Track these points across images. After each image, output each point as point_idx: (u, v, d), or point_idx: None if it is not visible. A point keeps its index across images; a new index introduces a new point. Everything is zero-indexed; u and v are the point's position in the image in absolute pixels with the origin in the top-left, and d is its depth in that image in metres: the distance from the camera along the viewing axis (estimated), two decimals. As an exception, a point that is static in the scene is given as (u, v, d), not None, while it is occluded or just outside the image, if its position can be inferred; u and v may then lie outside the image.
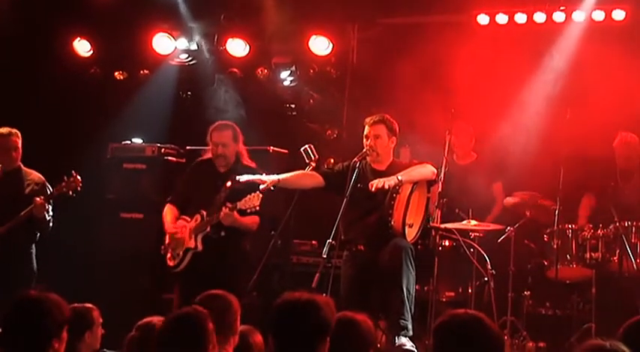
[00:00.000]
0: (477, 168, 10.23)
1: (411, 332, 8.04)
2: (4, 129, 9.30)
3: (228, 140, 9.08)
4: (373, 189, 8.14)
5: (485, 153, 10.38)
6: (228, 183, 8.87)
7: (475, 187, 9.98)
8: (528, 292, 9.78)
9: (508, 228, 9.57)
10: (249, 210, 8.64)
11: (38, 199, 9.03)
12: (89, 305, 6.33)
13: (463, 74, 10.20)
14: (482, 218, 9.59)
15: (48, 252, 9.49)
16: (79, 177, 9.21)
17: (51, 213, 9.25)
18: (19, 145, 9.34)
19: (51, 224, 9.27)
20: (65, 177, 9.19)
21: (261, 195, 8.58)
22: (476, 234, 9.31)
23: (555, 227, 9.50)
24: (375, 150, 8.48)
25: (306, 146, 8.46)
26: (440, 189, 9.06)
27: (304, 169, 8.43)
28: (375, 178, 8.31)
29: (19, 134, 9.34)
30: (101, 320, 6.33)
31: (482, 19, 10.72)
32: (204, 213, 8.91)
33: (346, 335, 5.07)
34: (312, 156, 8.39)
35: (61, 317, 4.73)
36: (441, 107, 9.90)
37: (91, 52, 12.29)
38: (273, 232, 9.33)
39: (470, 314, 4.43)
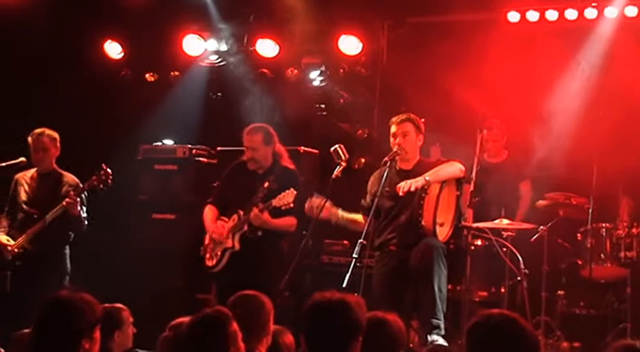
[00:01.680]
0: (507, 167, 10.17)
1: (443, 331, 8.01)
2: (38, 130, 9.36)
3: (258, 144, 9.09)
4: (401, 193, 8.13)
5: (516, 151, 10.31)
6: (266, 184, 8.88)
7: (506, 186, 9.93)
8: (562, 292, 9.72)
9: (541, 227, 9.51)
10: (283, 207, 8.66)
11: (68, 198, 9.07)
12: (119, 305, 6.36)
13: (494, 72, 10.15)
14: (513, 217, 9.53)
15: (81, 253, 9.53)
16: (109, 170, 9.24)
17: (85, 211, 9.28)
18: (51, 147, 9.37)
19: (85, 222, 9.30)
20: (96, 171, 9.23)
21: (295, 192, 8.60)
22: (508, 233, 9.25)
23: (589, 226, 9.43)
24: (405, 148, 8.45)
25: (337, 146, 8.43)
26: (472, 188, 9.03)
27: (334, 169, 8.39)
28: (402, 179, 8.29)
29: (55, 136, 9.38)
30: (132, 320, 6.35)
31: (513, 16, 10.66)
32: (241, 212, 8.93)
33: (377, 335, 5.06)
34: (342, 156, 8.37)
35: (93, 317, 4.73)
36: (471, 106, 9.86)
37: (122, 54, 12.33)
38: (304, 232, 9.31)
39: (505, 315, 4.39)
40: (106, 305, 6.10)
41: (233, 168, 9.44)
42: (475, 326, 4.37)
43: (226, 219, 9.08)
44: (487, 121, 9.83)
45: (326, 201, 8.43)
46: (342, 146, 8.42)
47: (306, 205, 8.51)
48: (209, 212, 9.25)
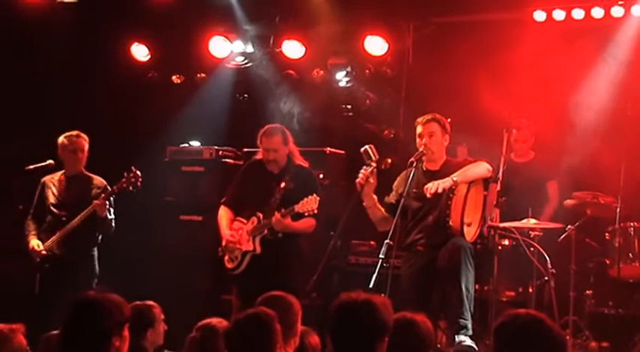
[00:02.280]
0: (534, 167, 10.14)
1: (470, 332, 7.98)
2: (74, 132, 9.41)
3: (278, 145, 9.08)
4: (428, 195, 8.11)
5: (543, 151, 10.28)
6: (282, 184, 8.90)
7: (533, 186, 9.90)
8: (590, 291, 9.68)
9: (568, 226, 9.47)
10: (306, 214, 8.66)
11: (98, 200, 9.12)
12: (150, 302, 6.38)
13: (520, 71, 10.12)
14: (540, 217, 9.50)
15: (109, 254, 9.57)
16: (138, 173, 9.28)
17: (112, 213, 9.33)
18: (86, 149, 9.43)
19: (113, 225, 9.34)
20: (125, 173, 9.26)
21: (318, 198, 8.59)
22: (535, 232, 9.22)
23: (617, 225, 9.39)
24: (431, 149, 8.43)
25: (367, 146, 8.39)
26: (499, 188, 9.00)
27: (363, 169, 8.36)
28: (429, 179, 8.28)
29: (87, 138, 9.44)
30: (163, 317, 6.38)
31: (539, 15, 10.62)
32: (261, 215, 8.94)
33: (405, 335, 5.07)
34: (372, 156, 8.33)
35: (121, 317, 4.76)
36: (498, 105, 9.83)
37: (149, 56, 12.38)
38: (332, 233, 9.31)
39: (532, 315, 4.38)
40: (137, 302, 6.14)
41: (247, 168, 9.45)
42: (502, 326, 4.36)
43: (243, 221, 9.08)
44: (516, 121, 9.81)
45: (374, 169, 8.36)
46: (372, 146, 8.38)
47: (360, 178, 8.37)
48: (224, 214, 9.24)
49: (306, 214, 8.67)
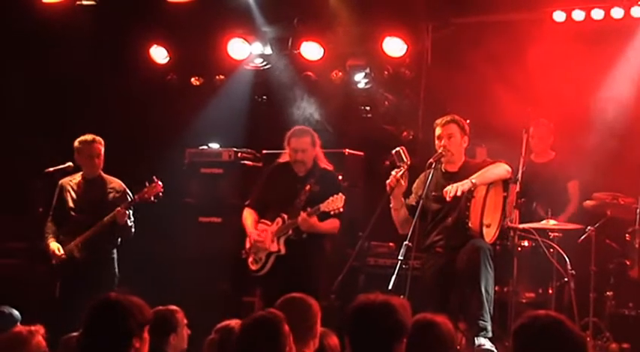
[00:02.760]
0: (554, 167, 10.11)
1: (490, 333, 7.97)
2: (89, 136, 9.42)
3: (307, 146, 9.10)
4: (448, 198, 8.10)
5: (563, 151, 10.25)
6: (307, 187, 8.92)
7: (553, 186, 9.87)
8: (610, 292, 9.63)
9: (588, 227, 9.43)
10: (332, 212, 8.68)
11: (119, 209, 9.14)
12: (173, 307, 6.38)
13: (539, 72, 10.10)
14: (555, 217, 9.47)
15: (128, 256, 9.60)
16: (160, 183, 9.29)
17: (132, 219, 9.35)
18: (102, 153, 9.45)
19: (133, 229, 9.36)
20: (147, 183, 9.28)
21: (344, 197, 8.61)
22: (555, 234, 9.20)
23: (637, 225, 9.35)
24: (450, 150, 8.42)
25: (398, 148, 8.38)
26: (518, 189, 8.99)
27: (393, 171, 8.35)
28: (448, 181, 8.28)
29: (102, 142, 9.46)
30: (186, 322, 6.38)
31: (559, 15, 10.57)
32: (286, 216, 8.96)
33: (426, 337, 5.06)
34: (403, 158, 8.33)
35: (142, 318, 4.76)
36: (517, 106, 9.81)
37: (168, 58, 12.41)
38: (360, 234, 9.28)
39: (551, 317, 4.36)
40: (160, 307, 6.15)
41: (272, 171, 9.47)
42: (521, 328, 4.35)
43: (268, 222, 9.10)
44: (534, 120, 9.79)
45: (407, 169, 8.36)
46: (404, 149, 8.37)
47: (390, 180, 8.36)
48: (248, 215, 9.27)
49: (332, 213, 8.70)
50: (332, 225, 8.90)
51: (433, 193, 8.35)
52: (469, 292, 8.07)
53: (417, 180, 8.62)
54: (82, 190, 9.45)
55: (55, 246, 9.29)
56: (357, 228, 10.01)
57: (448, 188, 8.13)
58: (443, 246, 8.41)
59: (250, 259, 9.15)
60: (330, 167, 9.24)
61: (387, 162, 10.80)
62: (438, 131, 8.50)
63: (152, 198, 9.29)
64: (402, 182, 8.29)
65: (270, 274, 9.02)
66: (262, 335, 4.91)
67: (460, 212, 8.26)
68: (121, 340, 4.68)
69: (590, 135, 10.24)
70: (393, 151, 8.39)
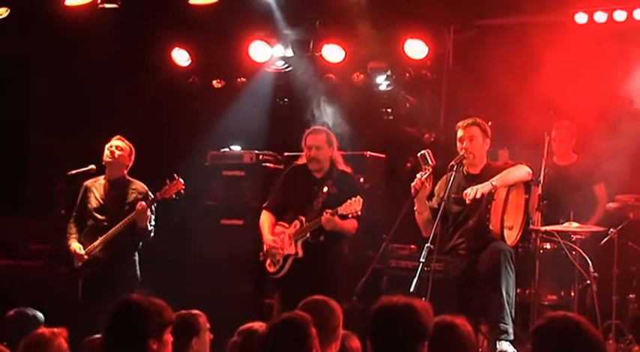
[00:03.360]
0: (577, 170, 10.07)
1: (511, 336, 7.95)
2: (117, 138, 9.43)
3: (322, 143, 9.12)
4: (468, 201, 8.10)
5: (586, 154, 10.21)
6: (325, 188, 8.93)
7: (575, 189, 9.84)
8: (633, 295, 9.57)
9: (611, 230, 9.39)
10: (350, 215, 8.69)
11: (139, 206, 9.15)
12: (196, 311, 6.38)
13: (561, 74, 10.06)
14: (582, 220, 9.43)
15: (150, 259, 9.61)
16: (181, 180, 9.30)
17: (153, 223, 9.36)
18: (129, 155, 9.46)
19: (152, 234, 9.37)
20: (168, 181, 9.30)
21: (362, 200, 8.62)
22: (577, 236, 9.17)
23: (660, 228, 9.32)
24: (472, 152, 8.41)
25: (424, 151, 8.39)
26: (540, 192, 8.97)
27: (418, 174, 8.36)
28: (469, 183, 8.28)
29: (130, 144, 9.48)
30: (208, 326, 6.38)
31: (580, 17, 10.51)
32: (303, 218, 8.96)
33: (446, 339, 5.05)
34: (429, 161, 8.33)
35: (160, 320, 4.77)
36: (539, 109, 9.79)
37: (190, 61, 12.44)
38: (384, 236, 9.27)
39: (569, 318, 4.35)
40: (183, 311, 6.15)
41: (289, 172, 9.48)
42: (538, 330, 4.35)
43: (285, 225, 9.12)
44: (556, 122, 9.77)
45: (432, 172, 8.36)
46: (429, 151, 8.38)
47: (415, 183, 8.37)
48: (266, 219, 9.29)
49: (350, 216, 8.71)
50: (352, 225, 8.93)
51: (454, 196, 8.35)
52: (490, 295, 8.06)
53: (439, 183, 8.62)
54: (106, 192, 9.46)
55: (76, 245, 9.31)
56: (378, 230, 10.01)
57: (468, 190, 8.14)
58: (465, 249, 8.41)
59: (268, 262, 9.17)
60: (348, 170, 9.25)
61: (409, 165, 10.85)
62: (459, 133, 8.50)
63: (174, 196, 9.28)
64: (427, 185, 8.30)
65: (288, 277, 9.04)
66: (289, 337, 4.91)
67: (481, 215, 8.25)
68: (138, 341, 4.70)
69: (613, 137, 10.19)
70: (419, 154, 8.41)
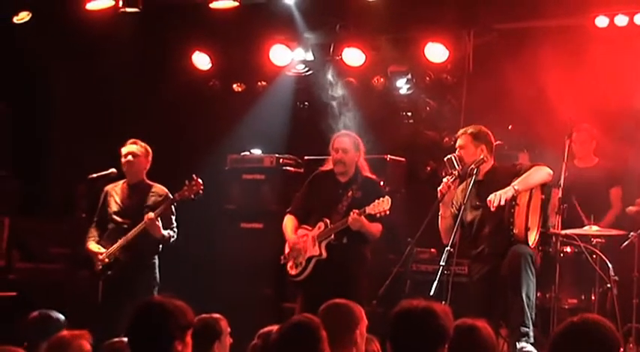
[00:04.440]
0: (597, 173, 10.06)
1: (532, 339, 7.93)
2: (136, 141, 9.46)
3: (348, 146, 9.13)
4: (492, 208, 8.06)
5: (606, 157, 10.19)
6: (349, 193, 8.95)
7: (593, 191, 9.82)
8: (653, 298, 9.56)
9: (631, 233, 9.36)
10: (378, 215, 8.71)
11: (146, 218, 9.16)
12: (217, 315, 6.39)
13: (582, 77, 10.04)
14: (598, 223, 9.41)
15: (170, 262, 9.64)
16: (200, 180, 9.31)
17: (174, 224, 9.38)
18: (148, 158, 9.49)
19: (173, 238, 9.37)
20: (187, 182, 9.32)
21: (390, 200, 8.63)
22: (598, 239, 9.15)
23: (680, 232, 9.27)
24: (465, 161, 8.38)
25: (451, 155, 8.39)
26: (560, 195, 8.95)
27: (445, 178, 8.35)
28: (477, 190, 8.26)
29: (149, 147, 9.52)
30: (229, 330, 6.39)
31: (601, 21, 10.46)
32: (328, 220, 8.98)
33: (467, 341, 5.05)
34: (455, 165, 8.33)
35: (184, 321, 4.78)
36: (559, 112, 9.76)
37: (210, 65, 12.46)
38: (409, 239, 9.27)
39: (585, 319, 4.35)
40: (204, 315, 6.16)
41: (314, 178, 9.48)
42: (555, 336, 4.36)
43: (308, 228, 9.13)
44: (576, 125, 9.75)
45: (458, 177, 8.35)
46: (456, 156, 8.37)
47: (442, 186, 8.37)
48: (289, 222, 9.30)
49: (378, 215, 8.73)
50: (378, 228, 8.95)
51: (478, 203, 8.35)
52: (511, 298, 8.04)
53: (458, 189, 8.58)
54: (126, 195, 9.49)
55: (94, 246, 9.32)
56: (399, 233, 10.01)
57: (491, 197, 8.08)
58: (489, 253, 8.36)
59: (290, 264, 9.17)
60: (372, 176, 9.26)
61: (429, 168, 10.85)
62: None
63: (192, 196, 9.31)
64: (453, 188, 8.30)
65: (311, 278, 9.03)
66: (299, 340, 4.93)
67: (503, 220, 8.21)
68: (163, 342, 4.71)
69: (634, 141, 10.17)
70: (445, 158, 8.42)
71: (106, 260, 9.28)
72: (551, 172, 8.38)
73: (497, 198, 8.04)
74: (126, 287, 9.11)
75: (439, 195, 8.30)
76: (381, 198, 8.70)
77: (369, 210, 8.69)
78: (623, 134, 10.24)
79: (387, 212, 8.70)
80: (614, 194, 10.11)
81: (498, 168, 8.54)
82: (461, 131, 8.59)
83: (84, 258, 9.53)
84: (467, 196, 8.19)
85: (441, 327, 4.56)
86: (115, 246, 9.29)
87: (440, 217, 8.46)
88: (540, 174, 8.32)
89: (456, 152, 8.45)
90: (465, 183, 8.38)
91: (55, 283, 10.86)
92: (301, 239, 9.11)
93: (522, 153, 10.17)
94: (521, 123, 9.50)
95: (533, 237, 8.23)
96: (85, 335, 5.83)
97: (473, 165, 8.29)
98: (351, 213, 8.75)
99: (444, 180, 8.31)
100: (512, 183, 8.12)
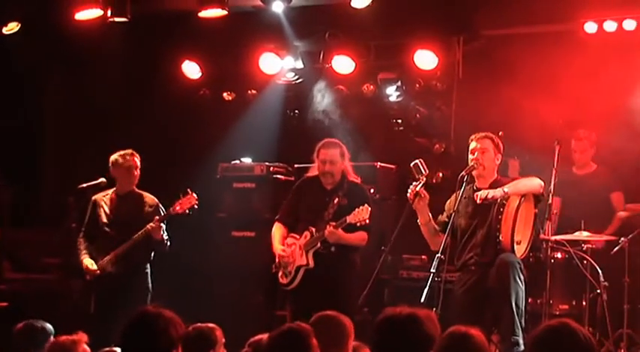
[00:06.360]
0: (595, 179, 10.07)
1: (522, 347, 7.91)
2: (127, 151, 9.45)
3: (336, 158, 9.13)
4: (478, 201, 8.09)
5: (604, 163, 10.20)
6: (336, 200, 8.95)
7: (593, 198, 9.83)
8: (644, 304, 9.58)
9: (622, 239, 9.38)
10: (358, 224, 8.70)
11: (152, 224, 9.18)
12: (211, 324, 6.38)
13: (571, 84, 10.07)
14: (598, 229, 9.42)
15: (162, 270, 9.63)
16: (194, 195, 9.32)
17: (167, 237, 9.37)
18: (138, 167, 9.47)
19: (168, 243, 9.38)
20: (181, 195, 9.32)
21: (369, 208, 8.63)
22: (588, 245, 9.17)
23: (671, 237, 9.29)
24: (482, 164, 8.39)
25: (417, 161, 8.39)
26: (550, 201, 8.96)
27: (413, 184, 8.36)
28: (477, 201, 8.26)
29: (139, 156, 9.50)
30: (224, 340, 6.39)
31: (590, 27, 10.47)
32: (313, 229, 8.98)
33: (460, 349, 5.04)
34: (422, 171, 8.32)
35: (176, 334, 4.78)
36: (549, 118, 9.79)
37: (200, 74, 12.46)
38: (383, 248, 9.30)
39: (559, 324, 4.37)
40: (199, 324, 6.15)
41: (300, 185, 9.50)
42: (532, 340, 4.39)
43: (296, 236, 9.14)
44: (575, 132, 9.77)
45: (426, 182, 8.34)
46: (421, 161, 8.37)
47: (409, 193, 8.36)
48: (277, 231, 9.31)
49: (358, 224, 8.72)
50: (360, 237, 8.93)
51: (463, 210, 8.35)
52: (500, 307, 8.03)
53: (452, 197, 8.57)
54: (115, 205, 9.49)
55: (88, 261, 9.33)
56: (389, 240, 10.01)
57: (480, 192, 8.12)
58: (475, 263, 8.35)
59: (280, 273, 9.19)
60: (358, 180, 9.26)
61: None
62: (472, 145, 8.46)
63: (186, 211, 9.32)
64: (422, 194, 8.27)
65: (300, 288, 9.05)
66: (290, 348, 4.92)
67: (491, 225, 8.22)
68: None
69: (624, 147, 10.18)
70: (412, 164, 8.38)
71: (99, 272, 9.27)
72: (543, 185, 8.38)
73: (484, 192, 8.08)
74: (119, 296, 9.11)
75: (410, 201, 8.29)
76: (361, 207, 8.68)
77: (349, 219, 8.69)
78: (613, 139, 10.24)
79: (367, 221, 8.67)
80: (616, 198, 10.10)
81: (501, 180, 8.51)
82: (480, 135, 8.52)
83: (76, 268, 9.51)
84: (457, 204, 8.20)
85: (425, 333, 4.56)
86: (108, 257, 9.29)
87: (420, 225, 8.45)
88: (531, 182, 8.33)
89: (475, 155, 8.42)
90: (456, 193, 8.39)
91: (47, 293, 10.85)
92: (289, 248, 9.11)
93: (513, 159, 10.17)
94: (512, 129, 9.49)
95: (522, 251, 8.20)
96: (83, 339, 5.82)
97: (463, 172, 8.30)
98: (327, 226, 8.76)
99: (411, 186, 8.30)
100: (503, 187, 8.14)
